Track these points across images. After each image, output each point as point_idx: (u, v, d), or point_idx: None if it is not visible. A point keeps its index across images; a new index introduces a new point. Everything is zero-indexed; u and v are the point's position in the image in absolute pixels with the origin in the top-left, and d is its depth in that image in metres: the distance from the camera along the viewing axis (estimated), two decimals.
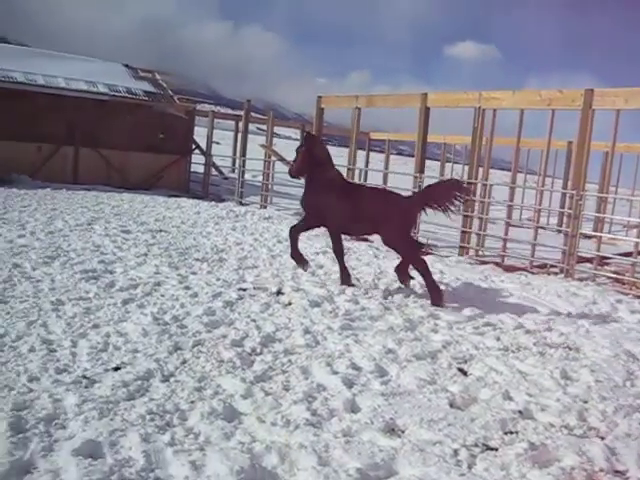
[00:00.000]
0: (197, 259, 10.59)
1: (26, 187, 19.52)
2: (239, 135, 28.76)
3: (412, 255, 8.92)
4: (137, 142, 23.43)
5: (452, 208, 8.66)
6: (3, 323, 6.34)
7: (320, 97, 19.04)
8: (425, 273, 8.67)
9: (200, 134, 26.18)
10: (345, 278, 9.41)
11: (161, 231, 13.29)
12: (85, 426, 4.32)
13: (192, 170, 25.14)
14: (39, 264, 9.12)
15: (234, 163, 32.71)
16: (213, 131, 26.24)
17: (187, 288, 8.44)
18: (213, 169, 26.44)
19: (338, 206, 9.02)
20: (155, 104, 24.37)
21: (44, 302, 7.20)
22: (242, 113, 26.21)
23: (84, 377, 5.14)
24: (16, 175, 21.00)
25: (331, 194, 9.09)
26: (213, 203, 20.45)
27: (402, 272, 9.39)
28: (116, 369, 5.37)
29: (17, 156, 21.27)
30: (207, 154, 25.03)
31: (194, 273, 9.48)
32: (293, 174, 9.55)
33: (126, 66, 26.99)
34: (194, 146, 25.70)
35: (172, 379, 5.30)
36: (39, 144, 22.20)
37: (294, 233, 9.58)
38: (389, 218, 8.77)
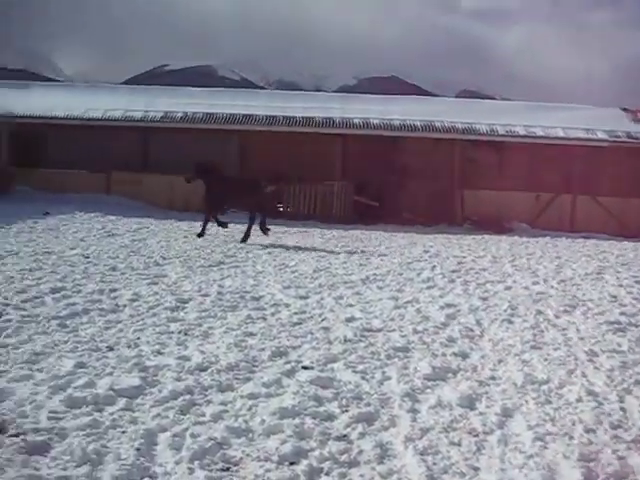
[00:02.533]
0: None
1: (526, 235, 20.22)
2: None
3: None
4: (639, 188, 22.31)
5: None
6: (543, 369, 6.48)
7: None
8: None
9: None
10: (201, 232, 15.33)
11: None
12: None
13: None
14: (560, 312, 9.20)
15: None
16: None
17: None
18: None
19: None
20: None
21: (577, 351, 7.17)
22: None
23: None
24: (516, 223, 21.98)
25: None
26: None
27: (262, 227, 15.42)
28: None
29: (517, 205, 22.33)
30: None
31: None
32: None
33: (624, 110, 26.11)
34: None
35: None
36: (537, 193, 22.92)
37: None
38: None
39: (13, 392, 5.15)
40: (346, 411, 5.19)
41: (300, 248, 14.75)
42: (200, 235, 15.17)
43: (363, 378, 5.98)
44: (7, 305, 7.81)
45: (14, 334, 6.72)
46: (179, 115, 23.94)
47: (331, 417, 5.08)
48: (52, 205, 19.81)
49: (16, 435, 4.42)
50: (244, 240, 15.03)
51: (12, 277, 9.49)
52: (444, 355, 6.84)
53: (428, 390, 5.77)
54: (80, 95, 26.33)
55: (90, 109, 24.34)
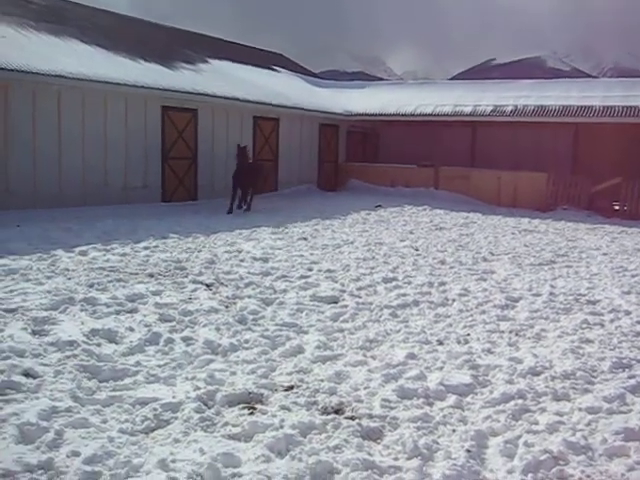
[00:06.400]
0: None
1: None
2: None
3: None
4: None
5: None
6: None
7: None
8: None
9: None
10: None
11: None
12: None
13: None
14: None
15: None
16: None
17: None
18: None
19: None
20: None
21: None
22: None
23: None
24: None
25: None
26: None
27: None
28: None
29: None
30: None
31: None
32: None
33: None
34: None
35: None
36: None
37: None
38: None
39: (349, 376, 5.38)
40: None
41: None
42: (228, 212, 16.17)
43: None
44: (344, 292, 8.28)
45: (350, 319, 7.08)
46: (509, 108, 23.42)
47: None
48: (384, 198, 20.84)
49: (352, 418, 4.58)
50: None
51: (348, 265, 10.06)
52: None
53: None
54: (411, 92, 27.30)
55: (421, 105, 25.06)
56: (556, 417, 4.75)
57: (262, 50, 33.16)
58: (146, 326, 6.40)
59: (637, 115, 21.29)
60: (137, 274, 8.71)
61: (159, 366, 5.39)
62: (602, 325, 7.30)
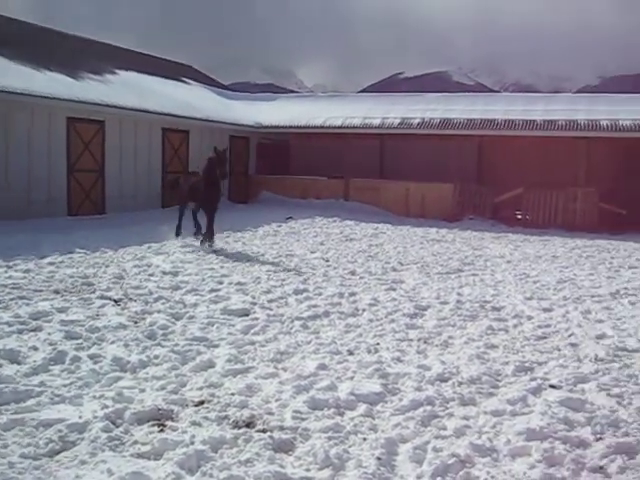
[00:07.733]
0: None
1: None
2: None
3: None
4: None
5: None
6: None
7: None
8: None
9: None
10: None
11: None
12: None
13: None
14: None
15: None
16: None
17: None
18: None
19: None
20: None
21: None
22: None
23: None
24: None
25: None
26: None
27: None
28: None
29: None
30: None
31: None
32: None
33: None
34: None
35: None
36: None
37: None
38: None
39: (260, 388, 5.36)
40: (601, 439, 4.67)
41: (541, 257, 13.97)
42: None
43: (619, 403, 5.37)
44: (254, 304, 8.26)
45: (261, 332, 7.07)
46: (416, 121, 24.05)
47: (584, 444, 4.59)
48: (295, 210, 20.93)
49: (263, 431, 4.56)
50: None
51: (259, 277, 10.05)
52: None
53: None
54: (321, 104, 27.62)
55: (330, 117, 25.35)
56: (463, 421, 4.88)
57: (171, 61, 32.74)
58: (51, 345, 6.18)
59: (536, 128, 22.29)
60: (41, 291, 8.40)
61: (65, 386, 5.21)
62: (506, 330, 7.58)
